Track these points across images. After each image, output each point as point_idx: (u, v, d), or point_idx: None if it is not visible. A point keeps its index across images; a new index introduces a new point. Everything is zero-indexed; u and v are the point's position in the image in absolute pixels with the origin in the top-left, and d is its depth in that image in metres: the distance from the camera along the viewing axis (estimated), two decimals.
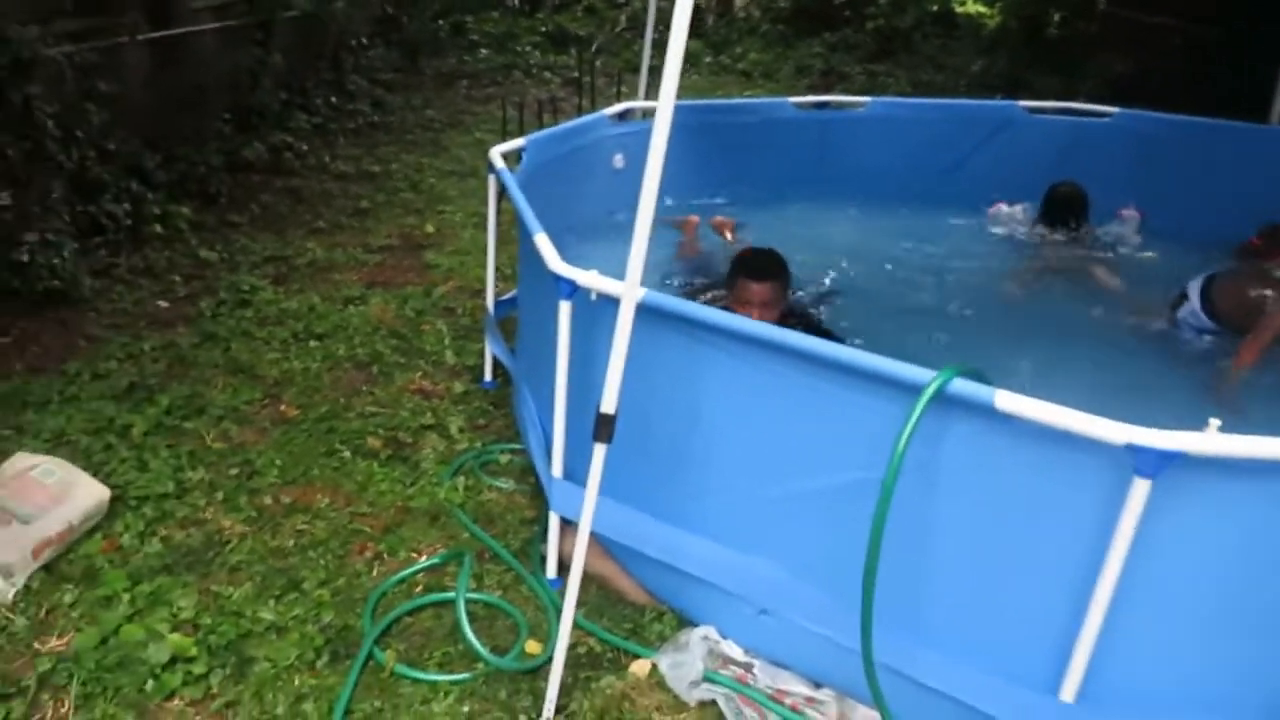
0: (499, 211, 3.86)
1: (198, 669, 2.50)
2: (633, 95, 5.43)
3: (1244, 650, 2.10)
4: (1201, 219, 4.83)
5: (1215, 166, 4.99)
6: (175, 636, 2.58)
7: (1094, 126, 5.20)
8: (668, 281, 4.24)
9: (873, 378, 2.15)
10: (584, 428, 2.36)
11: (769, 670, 2.54)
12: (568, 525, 2.85)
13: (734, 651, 2.58)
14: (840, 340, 2.62)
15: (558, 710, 2.42)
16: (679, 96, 2.12)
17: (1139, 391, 3.48)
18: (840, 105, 5.66)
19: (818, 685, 2.52)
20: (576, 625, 2.68)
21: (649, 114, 4.96)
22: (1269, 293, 3.69)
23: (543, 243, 2.79)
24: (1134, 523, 1.91)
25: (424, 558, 2.97)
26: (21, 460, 3.06)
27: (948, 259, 4.99)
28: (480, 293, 4.74)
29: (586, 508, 2.31)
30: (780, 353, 2.28)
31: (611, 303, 2.33)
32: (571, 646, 2.62)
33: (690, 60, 11.66)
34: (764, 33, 13.05)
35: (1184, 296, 4.04)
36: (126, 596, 2.74)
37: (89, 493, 3.04)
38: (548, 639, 2.65)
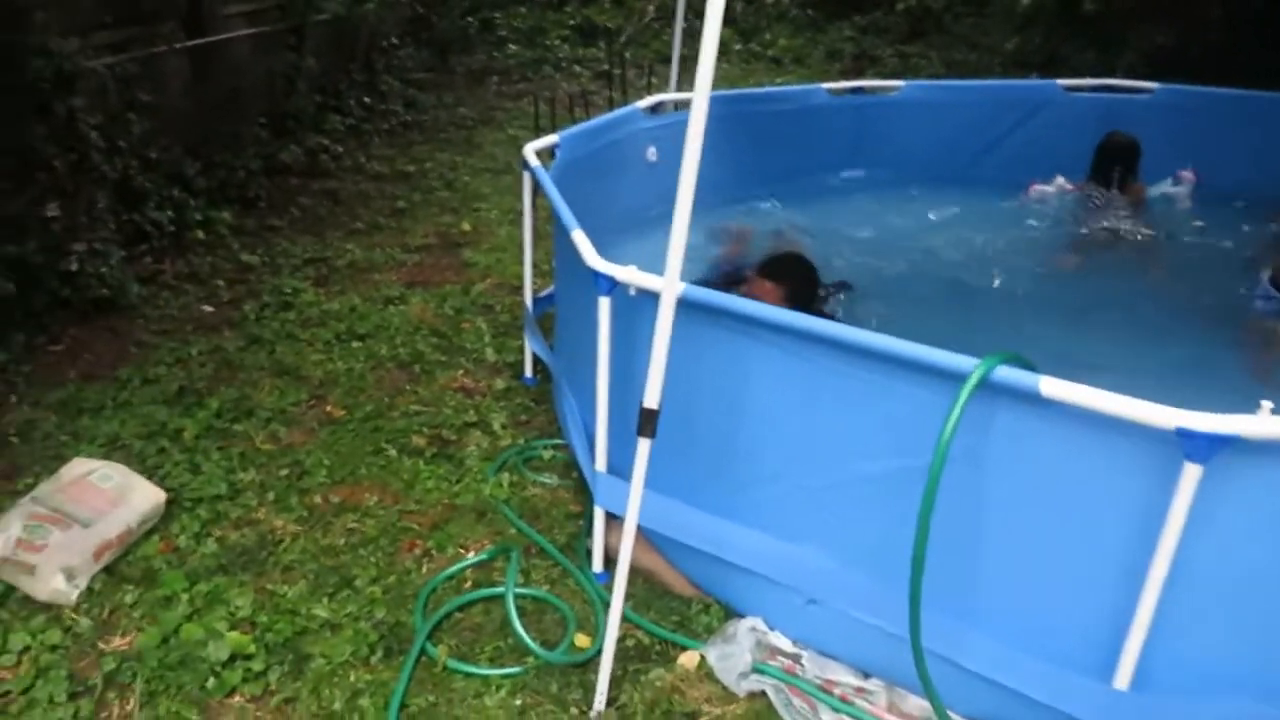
0: (534, 208, 3.88)
1: (256, 666, 2.56)
2: (663, 87, 5.42)
3: None
4: (1246, 192, 4.75)
5: (1258, 141, 4.89)
6: (234, 635, 2.64)
7: (1134, 103, 5.13)
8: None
9: (916, 367, 2.15)
10: (626, 422, 2.38)
11: (817, 660, 2.55)
12: (612, 519, 2.88)
13: (782, 642, 2.59)
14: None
15: (609, 703, 2.45)
16: (711, 86, 2.12)
17: (1199, 369, 3.44)
18: (874, 90, 5.61)
19: (866, 675, 2.53)
20: (624, 618, 2.70)
21: (681, 106, 4.96)
22: None
23: (580, 239, 2.81)
24: (1185, 508, 1.90)
25: (472, 554, 3.01)
26: (80, 465, 3.14)
27: (990, 241, 4.94)
28: (518, 289, 4.77)
29: (632, 502, 2.33)
30: (823, 343, 2.28)
31: (650, 297, 2.34)
32: (620, 639, 2.64)
33: (720, 48, 11.50)
34: (793, 18, 12.94)
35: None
36: (185, 596, 2.81)
37: (146, 496, 3.11)
38: (596, 632, 2.68)
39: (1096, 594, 2.13)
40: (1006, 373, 2.02)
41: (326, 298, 4.93)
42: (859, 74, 9.89)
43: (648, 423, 2.25)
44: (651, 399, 2.25)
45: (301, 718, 2.43)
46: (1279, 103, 5.01)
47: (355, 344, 4.41)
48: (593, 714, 2.44)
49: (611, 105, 8.11)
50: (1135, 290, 4.37)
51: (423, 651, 2.62)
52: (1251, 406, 1.84)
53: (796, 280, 3.36)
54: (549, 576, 2.93)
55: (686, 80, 5.20)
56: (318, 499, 3.28)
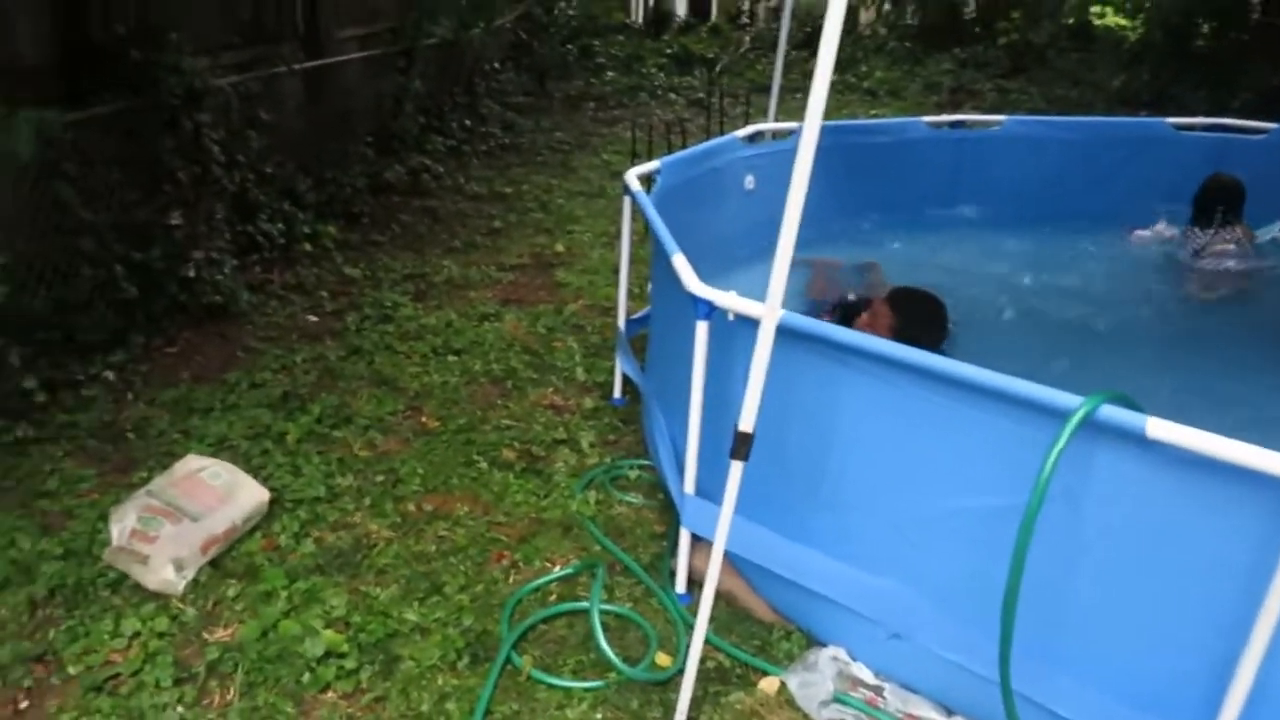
0: (631, 232, 3.95)
1: (349, 664, 2.65)
2: (760, 116, 5.47)
3: None
4: None
5: None
6: (328, 633, 2.74)
7: (1249, 144, 4.98)
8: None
9: (1017, 402, 2.13)
10: (717, 445, 2.41)
11: (900, 694, 2.52)
12: (698, 541, 2.90)
13: (864, 674, 2.57)
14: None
15: None
16: (802, 117, 2.15)
17: None
18: (974, 124, 5.57)
19: (950, 712, 2.49)
20: (706, 641, 2.72)
21: (779, 135, 5.00)
22: None
23: (680, 263, 2.85)
24: None
25: (558, 568, 3.07)
26: (193, 462, 3.30)
27: (1092, 279, 4.84)
28: (609, 311, 4.85)
29: (722, 525, 2.35)
30: (919, 374, 2.28)
31: (748, 323, 2.37)
32: (701, 660, 2.65)
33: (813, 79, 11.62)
34: (890, 50, 12.91)
35: None
36: (284, 593, 2.92)
37: (251, 494, 3.25)
38: (677, 652, 2.70)
39: (1196, 645, 2.07)
40: (1111, 412, 1.99)
41: (424, 312, 5.08)
42: (956, 107, 9.80)
43: (742, 446, 2.27)
44: (747, 423, 2.27)
45: (390, 717, 2.50)
46: None
47: (450, 358, 4.53)
48: None
49: (707, 133, 8.20)
50: (1241, 330, 4.24)
51: (508, 660, 2.67)
52: None
53: (910, 316, 3.39)
54: (632, 595, 2.96)
55: (784, 110, 5.27)
56: (411, 506, 3.38)
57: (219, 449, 3.69)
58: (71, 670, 2.62)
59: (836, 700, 2.50)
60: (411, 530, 3.25)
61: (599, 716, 2.50)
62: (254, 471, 3.48)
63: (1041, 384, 2.09)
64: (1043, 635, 2.24)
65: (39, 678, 2.61)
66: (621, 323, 4.08)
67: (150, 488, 3.18)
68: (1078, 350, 4.05)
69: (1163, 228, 4.98)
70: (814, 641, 2.73)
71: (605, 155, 8.59)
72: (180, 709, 2.52)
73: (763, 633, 2.80)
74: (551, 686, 2.59)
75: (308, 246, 5.89)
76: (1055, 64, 11.26)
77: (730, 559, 2.89)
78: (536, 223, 6.77)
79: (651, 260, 3.81)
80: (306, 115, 6.80)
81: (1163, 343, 4.15)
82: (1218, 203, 4.67)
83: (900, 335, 3.13)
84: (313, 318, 5.04)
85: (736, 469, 2.30)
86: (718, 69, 11.69)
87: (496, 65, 10.84)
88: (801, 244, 5.33)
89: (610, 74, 12.46)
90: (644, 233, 4.74)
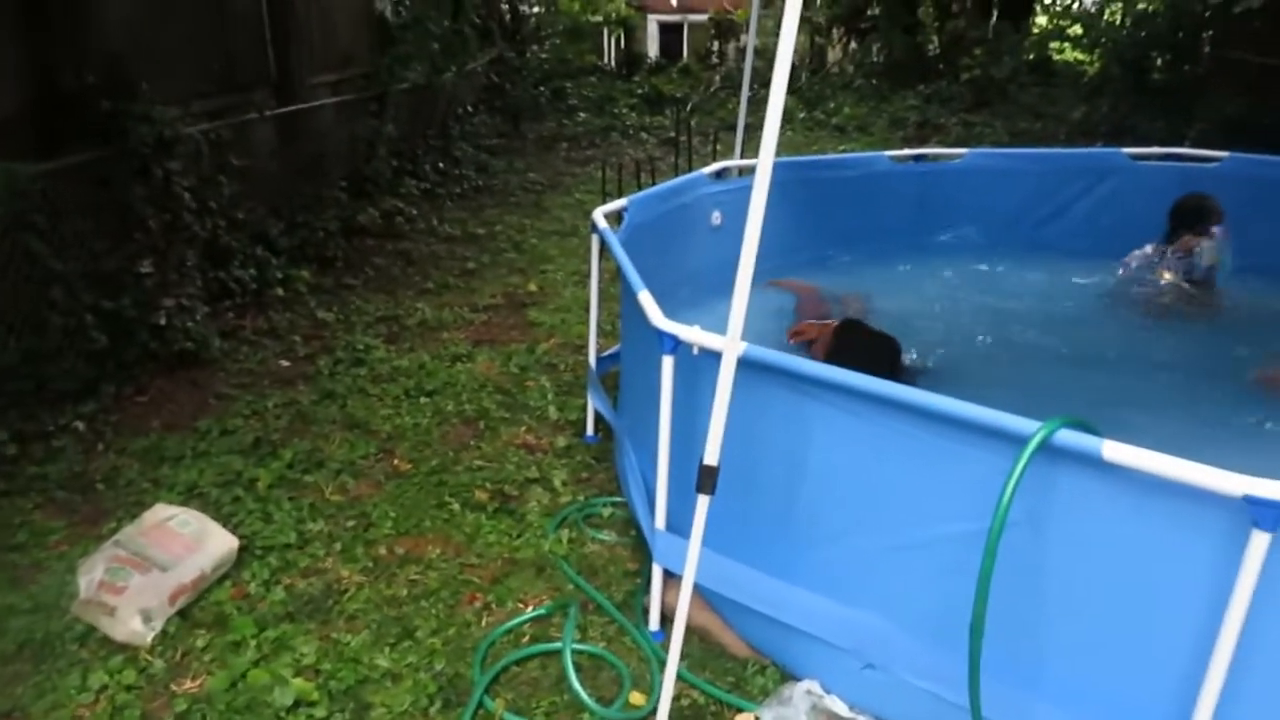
0: (600, 269, 3.99)
1: (319, 713, 2.61)
2: (728, 153, 5.55)
3: None
4: None
5: None
6: (298, 681, 2.70)
7: (1203, 172, 5.09)
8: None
9: (978, 429, 2.16)
10: (686, 480, 2.42)
11: None
12: (670, 577, 2.90)
13: (839, 706, 2.56)
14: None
15: None
16: (774, 153, 2.19)
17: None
18: (937, 158, 5.67)
19: None
20: (679, 678, 2.71)
21: (746, 172, 5.07)
22: None
23: (646, 300, 2.88)
24: (1254, 577, 1.86)
25: (530, 608, 3.05)
26: (161, 511, 3.27)
27: (1056, 306, 4.91)
28: (581, 349, 4.86)
29: (690, 559, 2.35)
30: (885, 405, 2.30)
31: (714, 357, 2.39)
32: (675, 699, 2.64)
33: (785, 116, 11.75)
34: (858, 87, 13.14)
35: None
36: (253, 642, 2.89)
37: (220, 542, 3.22)
38: (651, 690, 2.69)
39: (1161, 664, 2.08)
40: (1068, 436, 2.02)
41: (397, 354, 5.08)
42: (922, 142, 9.96)
43: (707, 479, 2.28)
44: (711, 456, 2.28)
45: None
46: None
47: (423, 400, 4.53)
48: None
49: (677, 171, 8.29)
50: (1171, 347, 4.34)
51: (480, 704, 2.65)
52: None
53: (843, 347, 3.49)
54: (605, 633, 2.95)
55: (751, 147, 5.35)
56: (383, 550, 3.36)
57: (189, 497, 3.66)
58: None
59: None
60: (383, 574, 3.23)
61: None
62: (224, 519, 3.45)
63: (1006, 411, 2.12)
64: (1013, 660, 2.25)
65: None
66: (592, 360, 4.10)
67: (118, 538, 3.15)
68: (1045, 376, 4.11)
69: (1149, 248, 5.03)
70: (789, 675, 2.72)
71: (578, 194, 8.66)
72: None
73: (737, 668, 2.79)
74: None
75: (280, 291, 5.89)
76: (1017, 98, 11.48)
77: (704, 594, 2.89)
78: (510, 263, 6.80)
79: (621, 297, 3.84)
80: (279, 161, 6.83)
81: (1121, 364, 4.20)
82: (1172, 220, 4.77)
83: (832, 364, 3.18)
84: (285, 362, 5.03)
85: (703, 503, 2.31)
86: (688, 108, 11.85)
87: (470, 108, 10.95)
88: (771, 275, 5.38)
89: (583, 115, 12.60)
90: (615, 270, 4.78)
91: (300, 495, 3.70)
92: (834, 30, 16.04)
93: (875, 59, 14.06)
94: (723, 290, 2.45)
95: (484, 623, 3.01)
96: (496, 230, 7.65)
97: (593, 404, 4.08)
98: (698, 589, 2.82)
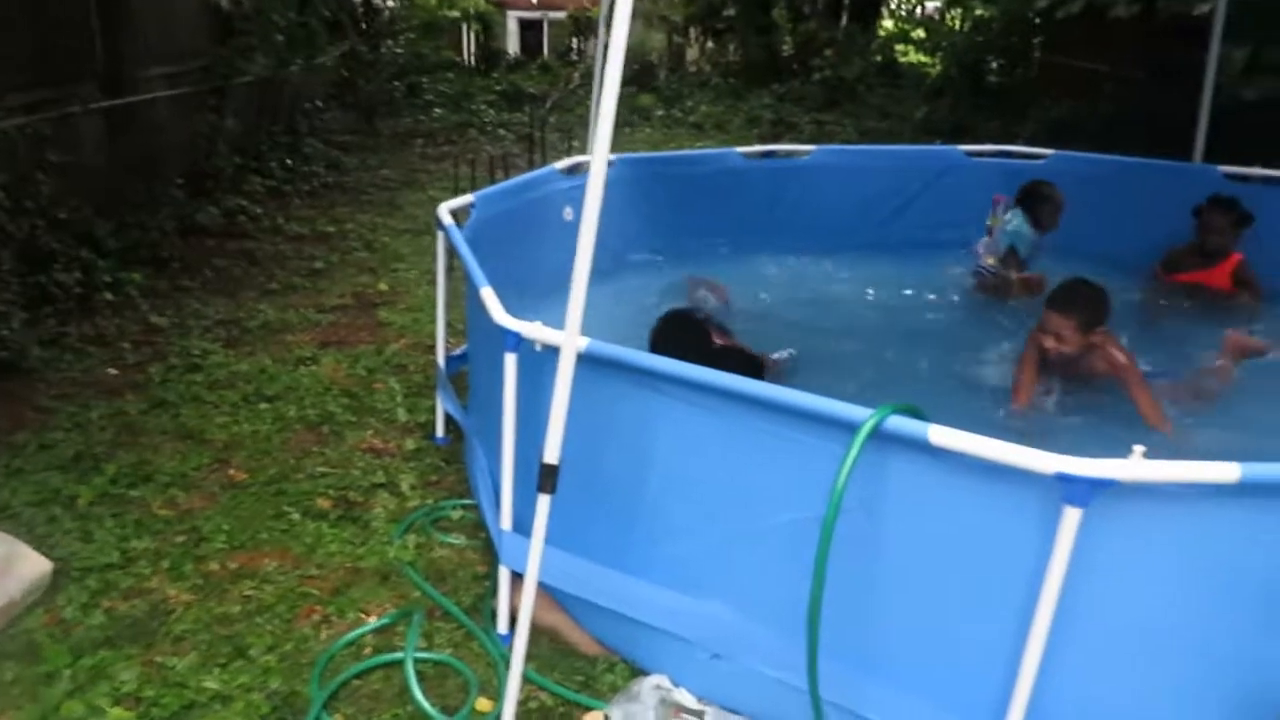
0: (449, 268, 3.88)
1: None
2: (584, 149, 5.51)
3: (1184, 670, 2.12)
4: (1130, 252, 4.99)
5: (1144, 204, 5.15)
6: (116, 711, 2.52)
7: (1031, 168, 5.34)
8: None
9: (814, 418, 2.18)
10: (533, 480, 2.36)
11: (721, 716, 2.51)
12: (519, 579, 2.83)
13: (686, 699, 2.56)
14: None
15: None
16: (632, 149, 2.17)
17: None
18: (786, 154, 5.78)
19: None
20: (527, 679, 2.66)
21: None
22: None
23: (488, 296, 2.81)
24: (1067, 552, 1.94)
25: (373, 619, 2.93)
26: None
27: (898, 297, 5.08)
28: (433, 349, 4.73)
29: (532, 559, 2.30)
30: (724, 396, 2.30)
31: (557, 353, 2.34)
32: (523, 702, 2.59)
33: (643, 114, 11.86)
34: (715, 86, 13.34)
35: None
36: (68, 672, 2.67)
37: (31, 566, 2.97)
38: (499, 695, 2.62)
39: (990, 639, 2.15)
40: (898, 422, 2.06)
41: (236, 359, 4.83)
42: (777, 140, 10.18)
43: (547, 478, 2.24)
44: (551, 454, 2.24)
45: None
46: (1161, 169, 5.30)
47: (263, 406, 4.31)
48: None
49: (532, 168, 8.20)
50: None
51: None
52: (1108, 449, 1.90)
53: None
54: (453, 640, 2.86)
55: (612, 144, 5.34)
56: (214, 566, 3.17)
57: None
58: None
59: None
60: (214, 591, 3.04)
61: None
62: (38, 541, 3.19)
63: (853, 400, 2.14)
64: (853, 643, 2.29)
65: None
66: (441, 360, 3.99)
67: None
68: (894, 365, 4.23)
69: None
70: (639, 671, 2.70)
71: (432, 191, 8.46)
72: None
73: (587, 667, 2.75)
74: None
75: (109, 295, 5.51)
76: (866, 98, 11.89)
77: (553, 594, 2.85)
78: (360, 262, 6.58)
79: (467, 295, 3.75)
80: (108, 157, 6.41)
81: (958, 347, 4.38)
82: (1019, 203, 5.01)
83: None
84: (113, 371, 4.71)
85: (544, 502, 2.26)
86: (547, 105, 11.76)
87: (320, 103, 10.57)
88: (629, 270, 5.39)
89: (439, 111, 12.34)
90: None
91: (125, 511, 3.46)
92: (691, 30, 16.26)
93: (732, 58, 14.30)
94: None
95: (323, 636, 2.87)
96: (347, 228, 7.39)
97: (442, 405, 3.97)
98: (547, 589, 2.78)
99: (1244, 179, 5.11)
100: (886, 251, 5.50)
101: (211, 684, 2.64)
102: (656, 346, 3.39)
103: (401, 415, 4.23)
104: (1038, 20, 10.02)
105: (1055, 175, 5.21)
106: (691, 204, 5.34)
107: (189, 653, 2.77)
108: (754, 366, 3.66)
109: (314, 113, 10.19)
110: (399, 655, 2.75)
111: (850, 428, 2.07)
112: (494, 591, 2.93)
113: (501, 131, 11.27)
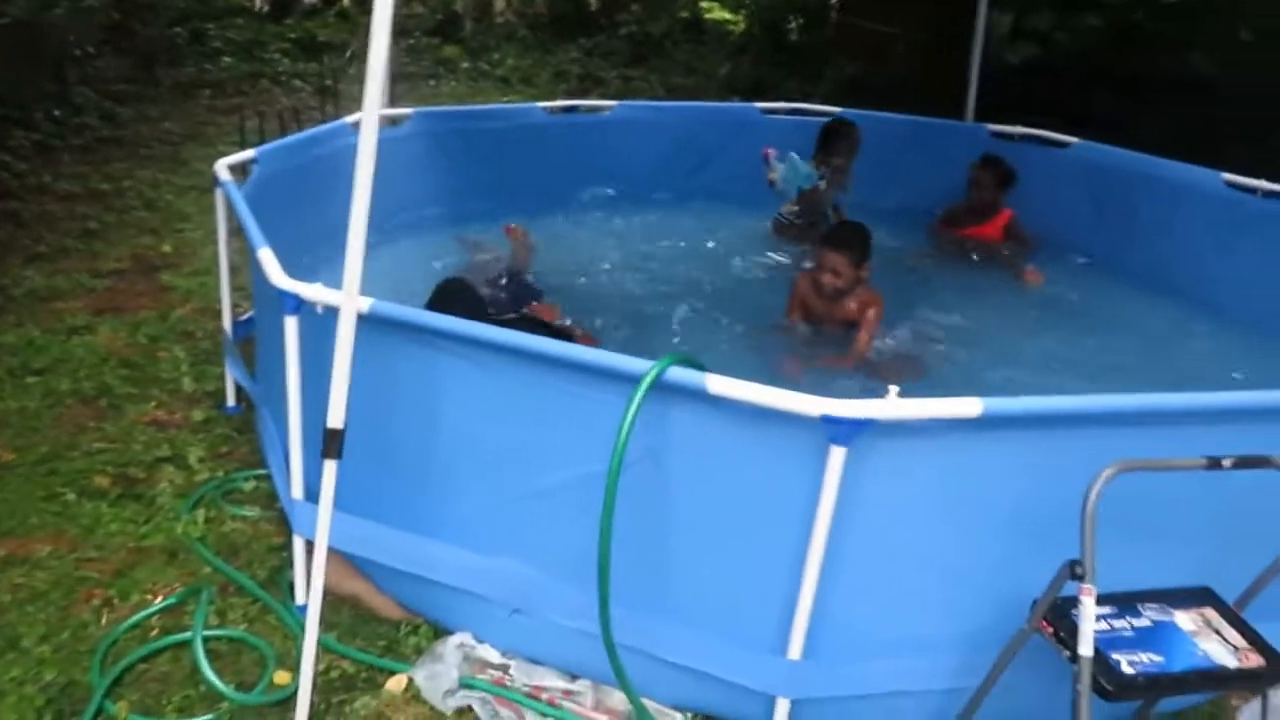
0: (232, 229, 3.68)
1: None
2: (386, 104, 5.32)
3: (944, 590, 2.33)
4: (906, 207, 5.35)
5: (924, 159, 5.49)
6: None
7: (820, 125, 5.55)
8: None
9: (599, 372, 2.23)
10: (320, 446, 2.31)
11: (526, 668, 2.57)
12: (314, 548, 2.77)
13: (490, 654, 2.59)
14: (569, 334, 2.69)
15: None
16: (437, 103, 2.12)
17: None
18: (589, 110, 5.78)
19: (574, 677, 2.58)
20: (328, 648, 2.62)
21: (399, 121, 4.89)
22: None
23: (266, 257, 2.70)
24: (835, 488, 2.08)
25: (160, 599, 2.80)
26: None
27: (706, 250, 5.21)
28: (222, 314, 4.50)
29: (321, 526, 2.25)
30: (508, 353, 2.31)
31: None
32: (324, 671, 2.56)
33: (447, 66, 11.53)
34: (521, 38, 13.09)
35: None
36: None
37: None
38: (297, 667, 2.56)
39: (771, 576, 2.28)
40: (678, 373, 2.14)
41: None
42: (585, 95, 10.14)
43: (332, 443, 2.19)
44: (335, 419, 2.19)
45: None
46: (938, 128, 5.66)
47: (30, 380, 3.98)
48: None
49: (327, 121, 7.85)
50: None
51: (100, 710, 2.40)
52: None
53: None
54: (248, 615, 2.77)
55: (413, 97, 5.17)
56: None
57: None
58: None
59: (463, 686, 2.50)
60: None
61: None
62: None
63: (650, 353, 2.19)
64: (646, 590, 2.38)
65: None
66: (227, 325, 3.80)
67: None
68: (694, 317, 4.32)
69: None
70: (442, 632, 2.71)
71: (221, 146, 7.91)
72: None
73: (390, 631, 2.73)
74: None
75: None
76: (672, 54, 11.97)
77: (352, 561, 2.80)
78: (140, 222, 6.12)
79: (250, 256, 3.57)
80: None
81: (756, 296, 4.56)
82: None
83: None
84: None
85: (330, 468, 2.21)
86: (346, 55, 11.23)
87: (92, 50, 9.67)
88: (425, 228, 5.25)
89: (227, 60, 11.53)
90: None
91: None
92: None
93: (539, 10, 14.06)
94: (373, 245, 2.35)
95: (104, 621, 2.72)
96: (125, 186, 6.84)
97: (230, 373, 3.79)
98: (344, 556, 2.74)
99: (1008, 137, 5.52)
100: (688, 206, 5.62)
101: None
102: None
103: (188, 385, 4.00)
104: None
105: None
106: (493, 160, 5.25)
107: None
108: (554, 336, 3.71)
109: (85, 60, 9.33)
110: (187, 635, 2.64)
111: (632, 380, 2.13)
112: (291, 563, 2.85)
113: (297, 82, 10.67)
